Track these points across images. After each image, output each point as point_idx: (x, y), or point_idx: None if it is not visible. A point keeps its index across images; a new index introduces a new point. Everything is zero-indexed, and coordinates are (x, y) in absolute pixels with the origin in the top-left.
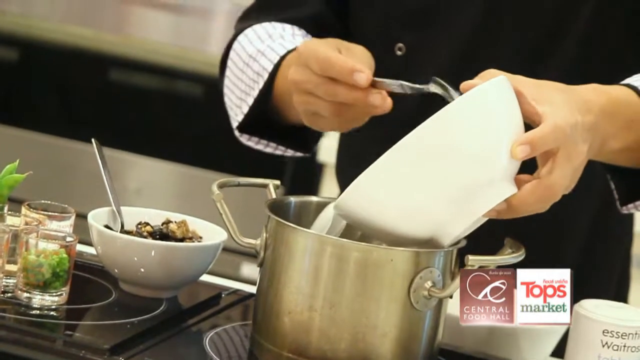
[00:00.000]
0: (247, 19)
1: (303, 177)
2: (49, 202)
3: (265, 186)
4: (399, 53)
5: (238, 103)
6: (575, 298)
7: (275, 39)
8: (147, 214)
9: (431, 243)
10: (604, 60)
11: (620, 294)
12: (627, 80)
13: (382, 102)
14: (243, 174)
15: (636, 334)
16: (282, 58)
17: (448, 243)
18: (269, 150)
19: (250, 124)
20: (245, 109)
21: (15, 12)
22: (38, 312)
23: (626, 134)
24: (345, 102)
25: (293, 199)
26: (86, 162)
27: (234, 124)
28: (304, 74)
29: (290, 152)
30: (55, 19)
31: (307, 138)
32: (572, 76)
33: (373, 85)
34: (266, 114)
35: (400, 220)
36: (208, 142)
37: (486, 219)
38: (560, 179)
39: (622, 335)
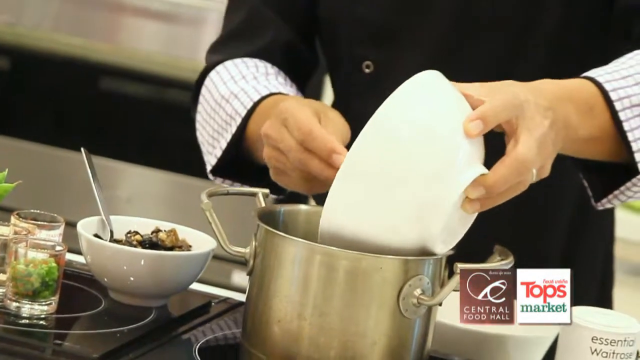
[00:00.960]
0: (217, 51)
1: None
2: (38, 211)
3: (254, 195)
4: (367, 71)
5: (210, 141)
6: None
7: (248, 81)
8: (137, 222)
9: (425, 249)
10: (573, 61)
11: (603, 297)
12: (584, 74)
13: None
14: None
15: (625, 340)
16: (256, 104)
17: (439, 246)
18: (235, 188)
19: (222, 167)
20: (218, 153)
21: (5, 21)
22: (27, 321)
23: (589, 121)
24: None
25: (282, 208)
26: (77, 171)
27: (207, 163)
28: (279, 133)
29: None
30: (45, 28)
31: None
32: (552, 58)
33: None
34: (238, 157)
35: (381, 239)
36: (199, 151)
37: (474, 216)
38: (526, 150)
39: (611, 342)
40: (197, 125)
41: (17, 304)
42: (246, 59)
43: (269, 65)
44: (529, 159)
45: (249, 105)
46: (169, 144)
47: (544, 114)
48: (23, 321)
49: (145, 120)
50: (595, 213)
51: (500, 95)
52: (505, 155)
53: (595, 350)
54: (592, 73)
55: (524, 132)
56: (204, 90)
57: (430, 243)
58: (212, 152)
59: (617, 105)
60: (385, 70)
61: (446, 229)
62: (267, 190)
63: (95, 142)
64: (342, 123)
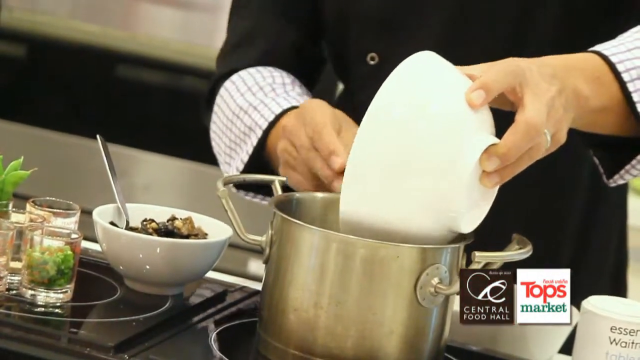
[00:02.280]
0: (227, 58)
1: None
2: (54, 199)
3: (271, 182)
4: (371, 63)
5: (228, 152)
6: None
7: (267, 93)
8: (153, 210)
9: (451, 231)
10: (576, 46)
11: (617, 281)
12: (589, 49)
13: None
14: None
15: None
16: (277, 117)
17: (464, 225)
18: (257, 200)
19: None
20: (239, 165)
21: (21, 8)
22: (43, 309)
23: (598, 89)
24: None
25: (299, 195)
26: (93, 159)
27: (224, 173)
28: (295, 127)
29: None
30: (61, 15)
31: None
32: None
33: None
34: (257, 169)
35: (401, 227)
36: None
37: (495, 190)
38: (534, 112)
39: (630, 331)
40: (212, 135)
41: (32, 292)
42: (260, 68)
43: (284, 74)
44: (538, 122)
45: (270, 117)
46: (185, 132)
47: (550, 81)
48: (38, 309)
49: (161, 107)
50: (608, 196)
51: (501, 62)
52: (514, 121)
53: (615, 340)
54: (597, 47)
55: (530, 96)
56: (219, 99)
57: (454, 223)
58: (230, 163)
59: (625, 77)
60: (389, 62)
61: (469, 206)
62: (284, 178)
63: (111, 130)
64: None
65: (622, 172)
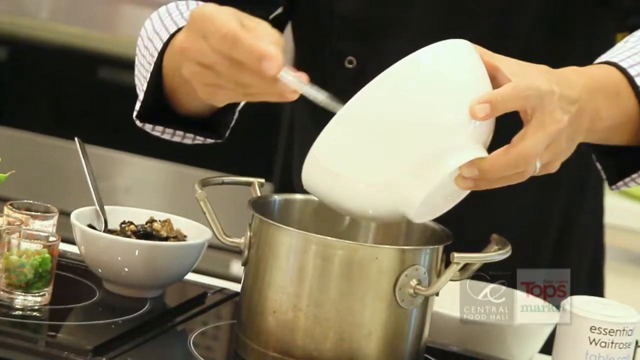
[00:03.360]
0: None
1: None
2: (31, 201)
3: (250, 184)
4: (349, 66)
5: (140, 87)
6: None
7: (174, 17)
8: (131, 213)
9: (396, 215)
10: (563, 37)
11: (594, 285)
12: (606, 57)
13: (291, 93)
14: (234, 172)
15: (624, 330)
16: (172, 36)
17: (412, 213)
18: (176, 139)
19: (150, 112)
20: (140, 96)
21: (2, 10)
22: (20, 312)
23: (615, 109)
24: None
25: (277, 197)
26: (75, 161)
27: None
28: (197, 44)
29: (200, 139)
30: (43, 16)
31: (217, 122)
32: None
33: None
34: (163, 99)
35: (359, 191)
36: None
37: (462, 196)
38: (531, 144)
39: (609, 331)
40: (136, 80)
41: (10, 296)
42: (187, 1)
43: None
44: (531, 155)
45: (166, 37)
46: None
47: (567, 108)
48: (16, 312)
49: None
50: (587, 196)
51: (522, 82)
52: (509, 144)
53: (594, 340)
54: (614, 57)
55: (536, 127)
56: (138, 40)
57: (406, 208)
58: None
59: None
60: (368, 65)
61: (428, 200)
62: (262, 180)
63: (93, 131)
64: (270, 27)
65: (627, 179)
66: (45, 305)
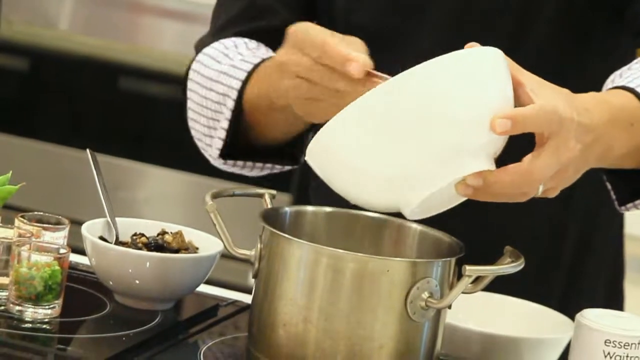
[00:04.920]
0: (203, 43)
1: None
2: (42, 213)
3: (261, 196)
4: None
5: (207, 132)
6: (567, 303)
7: (233, 58)
8: (143, 224)
9: (391, 208)
10: (575, 39)
11: (614, 297)
12: (624, 79)
13: None
14: (252, 183)
15: (639, 343)
16: (250, 74)
17: (409, 211)
18: (253, 174)
19: (229, 148)
20: (221, 134)
21: (22, 21)
22: (30, 325)
23: (627, 140)
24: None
25: (288, 209)
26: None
27: (210, 154)
28: (293, 56)
29: (277, 168)
30: (63, 27)
31: (294, 148)
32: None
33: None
34: (242, 134)
35: (362, 181)
36: None
37: (461, 200)
38: (541, 167)
39: (624, 345)
40: (190, 123)
41: (19, 308)
42: (223, 40)
43: (246, 39)
44: (539, 179)
45: (243, 76)
46: (186, 144)
47: (582, 137)
48: (26, 325)
49: (162, 119)
50: (606, 206)
51: (545, 105)
52: (520, 162)
53: (609, 353)
54: (631, 82)
55: (550, 152)
56: (189, 83)
57: (404, 205)
58: (210, 144)
59: None
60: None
61: (427, 200)
62: (273, 191)
63: (112, 142)
64: (360, 42)
65: (638, 202)
66: (56, 318)
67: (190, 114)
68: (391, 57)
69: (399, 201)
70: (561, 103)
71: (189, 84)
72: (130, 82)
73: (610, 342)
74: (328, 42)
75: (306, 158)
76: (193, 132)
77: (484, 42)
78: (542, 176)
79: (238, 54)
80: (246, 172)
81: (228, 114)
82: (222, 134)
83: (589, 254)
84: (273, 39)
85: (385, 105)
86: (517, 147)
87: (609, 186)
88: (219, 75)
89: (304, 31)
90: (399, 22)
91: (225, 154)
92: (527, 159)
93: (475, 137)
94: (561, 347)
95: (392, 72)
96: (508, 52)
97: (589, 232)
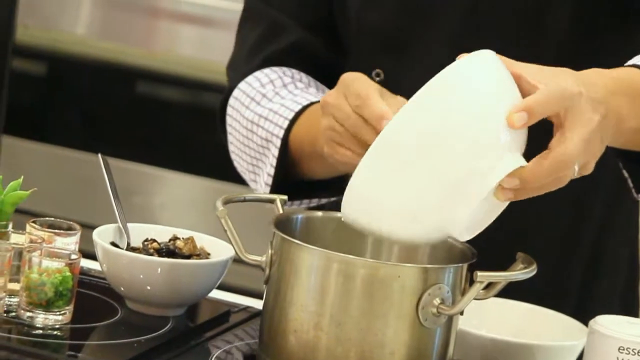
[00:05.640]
0: (239, 67)
1: None
2: (53, 219)
3: (272, 201)
4: (377, 79)
5: (251, 169)
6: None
7: (271, 98)
8: (155, 230)
9: (441, 235)
10: (590, 39)
11: (628, 302)
12: (631, 61)
13: None
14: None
15: None
16: (292, 122)
17: (458, 232)
18: (303, 206)
19: (281, 187)
20: (267, 179)
21: (40, 26)
22: (41, 331)
23: (636, 110)
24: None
25: (299, 215)
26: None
27: (254, 188)
28: (337, 100)
29: (333, 197)
30: (80, 32)
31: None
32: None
33: None
34: (289, 170)
35: (403, 219)
36: None
37: (502, 207)
38: (571, 147)
39: (638, 352)
40: (232, 155)
41: (30, 314)
42: (257, 74)
43: (281, 72)
44: (573, 157)
45: (285, 124)
46: (204, 149)
47: (596, 108)
48: (37, 331)
49: (180, 124)
50: (622, 209)
51: (552, 86)
52: (548, 149)
53: None
54: (636, 60)
55: (573, 129)
56: (229, 119)
57: (452, 229)
58: (256, 180)
59: None
60: (395, 78)
61: (472, 217)
62: (285, 197)
63: (130, 147)
64: (404, 100)
65: None
66: (66, 324)
67: (232, 148)
68: (403, 60)
69: (446, 227)
70: (566, 81)
71: (229, 120)
72: (146, 86)
73: (624, 349)
74: (370, 96)
75: (343, 216)
76: (236, 164)
77: (495, 45)
78: (574, 155)
79: (276, 95)
80: (295, 205)
81: (273, 160)
82: (269, 181)
83: (604, 259)
84: (294, 58)
85: (398, 141)
86: (535, 138)
87: (625, 174)
88: (260, 120)
89: (352, 78)
90: (411, 25)
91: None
92: (554, 142)
93: (496, 140)
94: (575, 353)
95: (404, 81)
96: (520, 55)
97: (603, 237)
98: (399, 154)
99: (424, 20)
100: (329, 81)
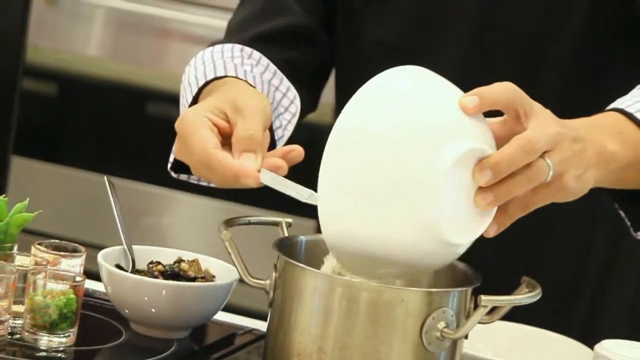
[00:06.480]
0: (229, 30)
1: None
2: (58, 241)
3: (277, 224)
4: None
5: (184, 88)
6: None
7: (206, 64)
8: (160, 252)
9: (441, 243)
10: (598, 51)
11: (636, 324)
12: (611, 105)
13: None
14: (279, 209)
15: None
16: (199, 91)
17: (450, 234)
18: (204, 182)
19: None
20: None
21: (51, 47)
22: (45, 354)
23: (624, 145)
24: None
25: (304, 238)
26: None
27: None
28: (184, 154)
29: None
30: (91, 53)
31: None
32: (567, 84)
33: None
34: None
35: (387, 239)
36: None
37: (493, 212)
38: (533, 132)
39: None
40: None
41: (34, 337)
42: (225, 45)
43: (246, 47)
44: (535, 138)
45: (194, 92)
46: None
47: (561, 123)
48: (41, 354)
49: None
50: (627, 243)
51: (506, 83)
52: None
53: None
54: (612, 105)
55: (530, 117)
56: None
57: (438, 232)
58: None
59: None
60: None
61: (453, 214)
62: (290, 220)
63: (139, 168)
64: (258, 109)
65: None
66: (71, 347)
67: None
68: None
69: (430, 229)
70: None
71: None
72: (157, 107)
73: None
74: (212, 158)
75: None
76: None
77: (503, 57)
78: (537, 137)
79: (230, 58)
80: (195, 182)
81: (189, 100)
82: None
83: (611, 280)
84: (290, 39)
85: (342, 169)
86: None
87: (622, 214)
88: (190, 83)
89: (190, 130)
90: (419, 36)
91: (176, 168)
92: (518, 129)
93: (444, 128)
94: None
95: None
96: (529, 68)
97: (611, 259)
98: (346, 184)
99: (433, 34)
100: (324, 68)
